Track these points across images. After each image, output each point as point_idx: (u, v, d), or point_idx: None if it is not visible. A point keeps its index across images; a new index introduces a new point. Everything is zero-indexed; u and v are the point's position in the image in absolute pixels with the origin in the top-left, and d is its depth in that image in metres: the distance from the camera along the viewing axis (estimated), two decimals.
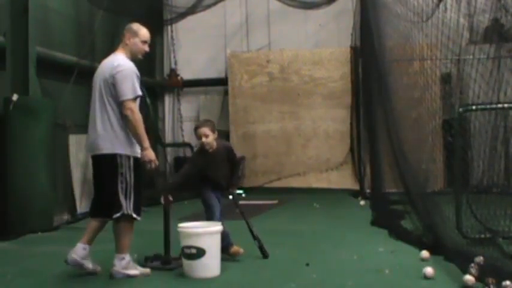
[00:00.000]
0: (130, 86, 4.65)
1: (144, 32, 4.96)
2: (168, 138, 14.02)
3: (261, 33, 13.41)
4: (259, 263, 5.27)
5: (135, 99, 4.66)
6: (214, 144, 5.45)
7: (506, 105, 5.03)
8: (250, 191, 11.87)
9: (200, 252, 4.66)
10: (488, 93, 4.71)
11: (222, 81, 13.40)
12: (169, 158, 13.48)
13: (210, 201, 5.47)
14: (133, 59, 4.89)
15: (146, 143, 4.65)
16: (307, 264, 5.01)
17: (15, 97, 7.38)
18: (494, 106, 4.95)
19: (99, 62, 5.00)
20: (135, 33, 4.91)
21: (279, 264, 5.20)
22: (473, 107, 5.36)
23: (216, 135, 5.49)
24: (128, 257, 4.74)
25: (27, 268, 5.30)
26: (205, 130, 5.39)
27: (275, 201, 10.33)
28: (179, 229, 4.85)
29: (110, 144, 4.64)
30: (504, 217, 4.76)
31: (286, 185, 12.30)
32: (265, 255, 5.45)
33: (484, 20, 5.34)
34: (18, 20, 7.73)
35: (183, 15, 13.25)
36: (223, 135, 13.25)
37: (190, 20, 13.30)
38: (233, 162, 5.69)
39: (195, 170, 5.52)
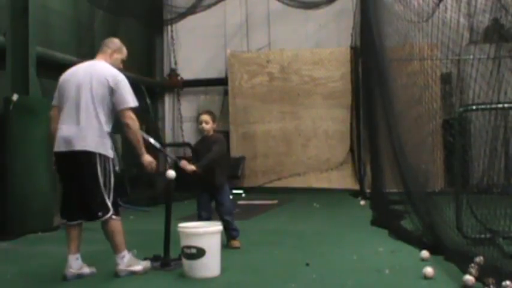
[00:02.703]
0: (131, 95, 4.80)
1: (125, 51, 5.11)
2: (168, 138, 14.02)
3: (261, 33, 13.42)
4: (259, 263, 5.27)
5: (134, 108, 4.80)
6: (211, 132, 6.03)
7: (506, 105, 5.03)
8: (250, 191, 11.88)
9: (200, 252, 4.66)
10: (488, 93, 4.70)
11: (222, 81, 13.41)
12: (169, 158, 13.47)
13: (198, 201, 6.02)
14: None
15: (143, 149, 4.84)
16: (307, 264, 5.01)
17: (15, 97, 7.38)
18: (494, 106, 4.95)
19: None
20: (120, 50, 5.04)
21: (279, 264, 5.20)
22: (474, 107, 5.36)
23: (214, 126, 6.09)
24: (127, 254, 4.78)
25: (27, 268, 5.30)
26: (207, 118, 6.02)
27: (275, 201, 10.33)
28: (179, 229, 4.85)
29: (95, 143, 4.63)
30: (504, 217, 4.75)
31: (286, 185, 12.30)
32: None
33: (484, 20, 5.33)
34: (18, 20, 7.73)
35: (183, 15, 13.26)
36: (224, 135, 13.26)
37: (190, 20, 13.31)
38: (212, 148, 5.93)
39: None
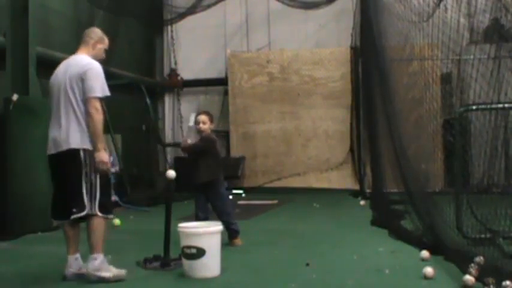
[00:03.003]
0: (101, 84, 4.66)
1: (107, 41, 5.02)
2: (168, 138, 14.03)
3: (261, 33, 13.41)
4: (259, 263, 5.27)
5: (102, 98, 4.65)
6: (208, 132, 6.17)
7: (506, 105, 5.03)
8: (250, 191, 11.88)
9: (200, 252, 4.66)
10: (488, 93, 4.71)
11: (222, 81, 13.40)
12: (169, 158, 13.49)
13: (195, 201, 6.15)
14: None
15: (102, 144, 4.61)
16: (307, 264, 5.01)
17: (15, 97, 7.38)
18: (494, 106, 4.95)
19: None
20: (102, 40, 4.95)
21: (279, 264, 5.20)
22: (474, 107, 5.36)
23: (212, 126, 6.22)
24: (100, 257, 4.60)
25: (27, 268, 5.30)
26: (204, 118, 6.14)
27: (275, 201, 10.33)
28: (179, 229, 4.85)
29: (78, 139, 4.57)
30: (504, 217, 4.75)
31: (286, 185, 12.30)
32: None
33: (484, 20, 5.34)
34: (18, 20, 7.73)
35: (183, 15, 13.26)
36: (224, 135, 13.26)
37: (190, 20, 13.31)
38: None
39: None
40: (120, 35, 11.68)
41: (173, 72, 13.97)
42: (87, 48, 4.89)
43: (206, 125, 6.12)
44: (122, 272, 4.68)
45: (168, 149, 13.59)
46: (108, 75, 4.86)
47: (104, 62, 4.95)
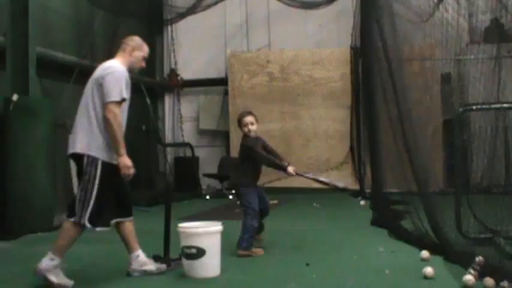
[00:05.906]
0: (118, 88, 4.55)
1: (147, 49, 5.00)
2: (168, 138, 14.02)
3: (261, 33, 13.40)
4: (259, 263, 5.27)
5: (120, 102, 4.56)
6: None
7: (506, 105, 5.04)
8: None
9: (200, 252, 4.67)
10: (488, 93, 4.71)
11: (222, 81, 13.39)
12: (170, 158, 13.48)
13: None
14: (130, 70, 4.81)
15: (123, 149, 4.53)
16: (307, 264, 5.02)
17: (15, 97, 7.38)
18: (494, 106, 4.96)
19: (99, 62, 4.97)
20: (141, 48, 4.93)
21: (279, 264, 5.20)
22: (474, 107, 5.37)
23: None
24: (57, 261, 4.52)
25: (27, 268, 5.28)
26: (252, 119, 5.95)
27: (275, 201, 10.31)
28: (179, 229, 4.85)
29: (84, 144, 4.55)
30: (504, 217, 4.76)
31: (286, 185, 12.28)
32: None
33: (484, 20, 5.34)
34: (18, 20, 7.72)
35: (183, 15, 13.23)
36: (224, 135, 13.26)
37: (190, 20, 13.29)
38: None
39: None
40: (120, 35, 11.63)
41: (173, 72, 13.96)
42: (122, 55, 4.84)
43: (255, 126, 6.04)
44: (69, 282, 4.54)
45: (168, 149, 13.58)
46: None
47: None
